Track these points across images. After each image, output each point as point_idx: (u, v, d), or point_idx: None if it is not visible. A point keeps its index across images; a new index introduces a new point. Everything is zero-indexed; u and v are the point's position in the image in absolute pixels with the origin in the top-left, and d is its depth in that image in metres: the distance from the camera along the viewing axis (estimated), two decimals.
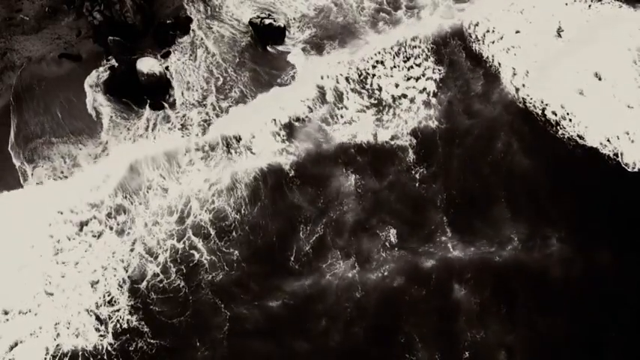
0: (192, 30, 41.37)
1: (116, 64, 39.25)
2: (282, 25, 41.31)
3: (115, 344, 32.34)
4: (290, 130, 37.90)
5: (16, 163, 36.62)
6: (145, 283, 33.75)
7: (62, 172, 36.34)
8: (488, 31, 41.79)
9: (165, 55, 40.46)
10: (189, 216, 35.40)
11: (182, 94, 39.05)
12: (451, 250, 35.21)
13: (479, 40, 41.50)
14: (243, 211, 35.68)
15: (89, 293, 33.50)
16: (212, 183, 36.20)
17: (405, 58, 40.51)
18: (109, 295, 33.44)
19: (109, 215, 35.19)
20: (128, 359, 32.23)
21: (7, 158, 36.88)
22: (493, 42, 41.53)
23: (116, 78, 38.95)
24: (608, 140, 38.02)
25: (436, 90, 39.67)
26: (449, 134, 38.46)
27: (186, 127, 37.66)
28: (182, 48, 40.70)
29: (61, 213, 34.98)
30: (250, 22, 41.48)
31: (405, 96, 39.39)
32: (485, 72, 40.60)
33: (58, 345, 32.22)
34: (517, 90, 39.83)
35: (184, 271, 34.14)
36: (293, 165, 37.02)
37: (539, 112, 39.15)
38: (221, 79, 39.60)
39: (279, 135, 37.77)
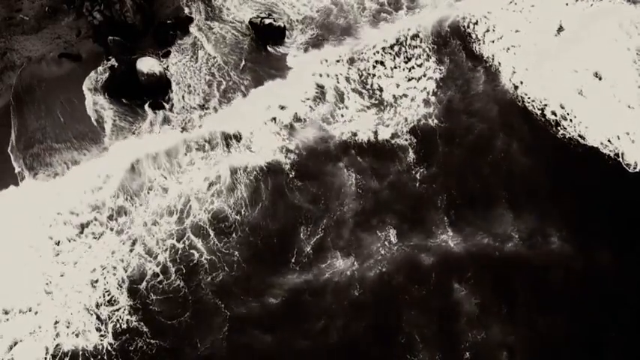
0: (193, 31, 41.35)
1: (116, 64, 39.22)
2: (283, 25, 41.30)
3: (114, 344, 32.30)
4: (290, 129, 37.88)
5: (16, 167, 36.48)
6: (144, 284, 33.71)
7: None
8: (488, 31, 41.83)
9: (166, 55, 40.45)
10: (189, 216, 35.36)
11: (183, 97, 38.98)
12: (451, 247, 35.16)
13: (479, 40, 41.53)
14: (243, 212, 35.65)
15: (89, 293, 33.43)
16: (211, 182, 36.16)
17: (406, 59, 40.52)
18: (108, 295, 33.38)
19: (110, 217, 35.11)
20: (128, 359, 32.22)
21: (6, 159, 36.81)
22: (493, 41, 41.57)
23: (116, 78, 38.92)
24: (609, 140, 38.01)
25: (436, 89, 39.68)
26: (449, 133, 38.45)
27: (187, 129, 37.59)
28: (183, 49, 40.68)
29: (61, 214, 34.92)
30: (250, 22, 41.49)
31: (405, 95, 39.39)
32: (485, 71, 40.62)
33: (58, 345, 32.17)
34: (517, 89, 39.83)
35: (184, 271, 34.08)
36: (294, 165, 37.00)
37: (539, 112, 39.15)
38: (222, 81, 39.54)
39: (279, 134, 37.75)
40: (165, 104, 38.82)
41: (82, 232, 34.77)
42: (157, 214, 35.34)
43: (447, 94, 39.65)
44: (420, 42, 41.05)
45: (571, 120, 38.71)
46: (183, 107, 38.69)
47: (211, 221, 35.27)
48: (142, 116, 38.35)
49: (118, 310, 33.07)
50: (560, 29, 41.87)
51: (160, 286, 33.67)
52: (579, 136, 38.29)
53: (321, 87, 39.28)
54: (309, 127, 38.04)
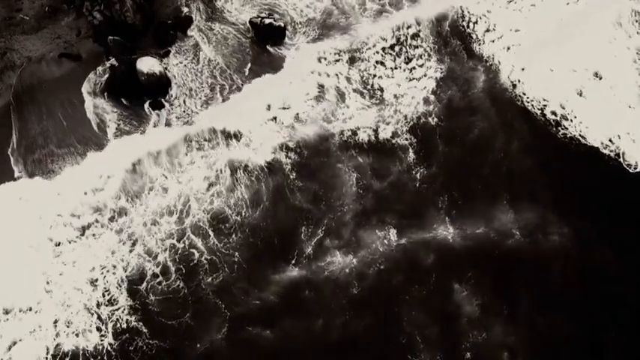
0: (194, 32, 41.31)
1: (116, 64, 39.19)
2: (282, 25, 41.28)
3: (115, 344, 32.26)
4: (291, 129, 37.84)
5: (16, 171, 36.35)
6: (144, 284, 33.67)
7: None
8: (488, 30, 41.85)
9: (166, 55, 40.43)
10: (189, 216, 35.32)
11: (184, 98, 38.92)
12: (451, 247, 35.18)
13: (479, 40, 41.58)
14: (243, 213, 35.62)
15: (89, 292, 33.39)
16: (211, 183, 36.13)
17: (407, 60, 40.53)
18: (108, 294, 33.34)
19: (111, 219, 35.08)
20: (128, 359, 32.22)
21: (6, 161, 36.76)
22: (493, 41, 41.63)
23: (116, 78, 38.89)
24: (611, 140, 38.02)
25: (436, 88, 39.69)
26: (449, 132, 38.49)
27: (187, 129, 37.49)
28: (184, 51, 40.65)
29: (61, 216, 34.88)
30: (250, 22, 41.47)
31: (406, 95, 39.38)
32: (485, 70, 40.64)
33: (58, 344, 32.12)
34: (517, 88, 39.86)
35: (184, 271, 34.03)
36: (294, 165, 36.98)
37: (539, 112, 39.18)
38: (223, 82, 39.50)
39: (279, 133, 37.71)
40: (165, 104, 38.81)
41: (82, 232, 34.71)
42: (157, 213, 35.29)
43: (448, 93, 39.68)
44: (421, 42, 41.06)
45: (571, 120, 38.71)
46: (184, 107, 38.67)
47: (211, 222, 35.24)
48: (144, 118, 38.27)
49: (117, 310, 33.02)
50: (561, 29, 41.81)
51: (160, 287, 33.63)
52: (580, 135, 38.31)
53: (321, 86, 39.27)
54: (309, 126, 38.03)
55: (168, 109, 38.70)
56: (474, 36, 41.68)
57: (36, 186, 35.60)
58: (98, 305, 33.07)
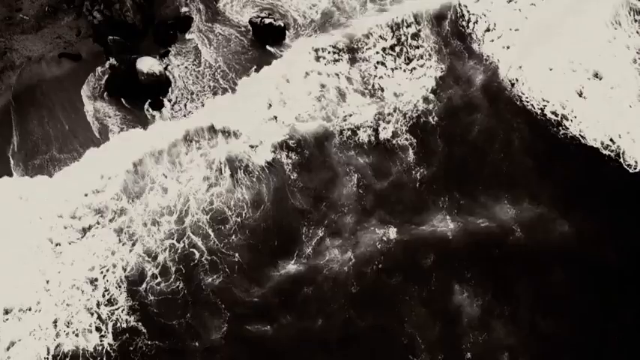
0: (194, 34, 41.28)
1: (116, 64, 39.14)
2: (282, 25, 41.23)
3: (114, 345, 32.26)
4: (292, 128, 37.79)
5: (16, 175, 36.38)
6: (144, 284, 33.66)
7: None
8: (488, 30, 41.81)
9: (165, 55, 40.41)
10: (188, 215, 35.28)
11: (185, 102, 38.87)
12: (451, 244, 35.25)
13: (479, 40, 41.55)
14: (244, 214, 35.59)
15: (89, 292, 33.37)
16: (211, 184, 36.09)
17: (407, 60, 40.50)
18: (108, 294, 33.33)
19: (111, 219, 35.05)
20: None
21: (6, 162, 36.76)
22: (492, 40, 41.59)
23: (116, 78, 38.86)
24: (611, 140, 38.05)
25: (437, 87, 39.65)
26: (449, 131, 38.50)
27: (187, 128, 37.45)
28: (185, 53, 40.61)
29: (61, 217, 34.86)
30: (250, 22, 41.42)
31: (406, 94, 39.36)
32: (485, 70, 40.61)
33: (58, 344, 32.12)
34: (517, 88, 39.83)
35: (184, 271, 34.01)
36: (295, 165, 36.97)
37: (539, 111, 39.18)
38: (223, 82, 39.51)
39: (280, 133, 37.67)
40: (165, 104, 38.78)
41: (82, 233, 34.69)
42: (156, 213, 35.25)
43: (448, 93, 39.65)
44: (422, 42, 41.02)
45: (571, 120, 38.71)
46: (185, 107, 38.64)
47: (210, 222, 35.20)
48: (144, 118, 38.23)
49: (117, 310, 33.01)
50: (560, 28, 41.78)
51: (160, 287, 33.62)
52: (580, 135, 38.30)
53: (322, 86, 39.20)
54: (310, 125, 37.97)
55: (168, 108, 38.68)
56: (474, 36, 41.66)
57: (36, 186, 35.55)
58: (98, 305, 33.07)
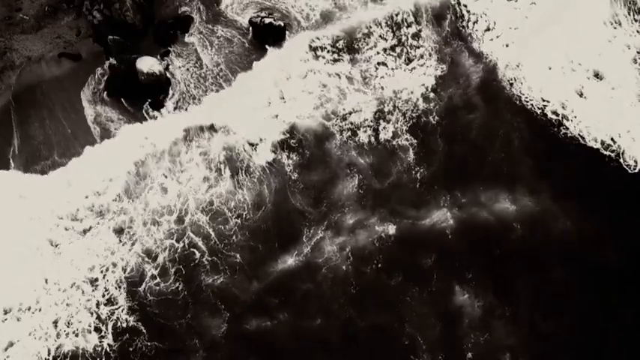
0: (194, 35, 41.25)
1: (116, 64, 39.13)
2: (282, 25, 41.20)
3: (114, 345, 32.24)
4: (292, 127, 37.79)
5: (15, 175, 36.32)
6: (143, 284, 33.65)
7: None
8: (488, 30, 41.81)
9: (166, 55, 40.40)
10: (188, 214, 35.25)
11: (186, 109, 38.82)
12: (452, 244, 35.23)
13: (479, 39, 41.55)
14: (244, 215, 35.58)
15: (89, 292, 33.35)
16: (211, 185, 36.07)
17: (408, 60, 40.51)
18: (108, 294, 33.31)
19: (111, 219, 35.02)
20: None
21: (6, 163, 36.78)
22: (492, 39, 41.55)
23: (116, 78, 38.85)
24: (612, 139, 38.02)
25: (437, 87, 39.65)
26: (449, 131, 38.46)
27: (188, 127, 37.45)
28: (186, 56, 40.59)
29: (61, 218, 34.84)
30: (250, 21, 41.40)
31: (407, 93, 39.36)
32: (485, 69, 40.62)
33: (58, 345, 32.10)
34: (517, 88, 39.83)
35: (184, 272, 33.99)
36: (295, 165, 36.97)
37: (539, 111, 39.17)
38: (223, 82, 39.52)
39: (280, 132, 37.65)
40: (165, 103, 38.78)
41: (82, 233, 34.68)
42: (157, 213, 35.21)
43: (448, 92, 39.66)
44: (422, 42, 41.02)
45: (571, 120, 38.72)
46: (185, 107, 38.63)
47: (210, 222, 35.19)
48: (144, 118, 38.22)
49: (117, 310, 32.98)
50: (560, 28, 41.77)
51: (159, 287, 33.60)
52: (579, 135, 38.30)
53: (323, 85, 39.18)
54: (311, 124, 37.96)
55: (168, 108, 38.67)
56: (474, 35, 41.65)
57: (36, 186, 35.51)
58: (98, 305, 33.04)
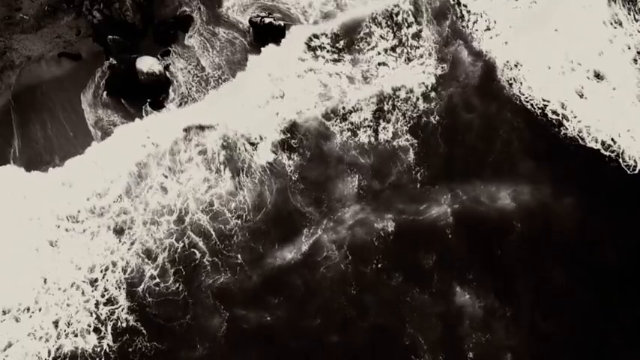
0: (194, 37, 41.21)
1: (116, 63, 39.08)
2: (282, 24, 41.17)
3: (114, 346, 32.21)
4: (293, 127, 37.76)
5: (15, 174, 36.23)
6: (143, 285, 33.62)
7: None
8: (488, 29, 41.78)
9: (166, 54, 40.37)
10: (188, 214, 35.21)
11: (186, 109, 38.74)
12: (452, 244, 35.23)
13: (479, 39, 41.52)
14: (244, 216, 35.55)
15: (88, 292, 33.33)
16: (211, 185, 36.03)
17: (408, 60, 40.49)
18: (108, 294, 33.29)
19: (111, 219, 34.98)
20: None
21: (6, 164, 36.60)
22: (491, 37, 41.53)
23: (116, 78, 38.80)
24: (612, 139, 38.04)
25: (437, 86, 39.64)
26: (449, 130, 38.47)
27: (188, 127, 37.42)
28: (187, 56, 40.55)
29: (61, 218, 34.78)
30: (250, 21, 41.36)
31: (406, 93, 39.34)
32: (485, 69, 40.61)
33: (58, 345, 32.06)
34: (517, 88, 39.82)
35: (184, 272, 33.96)
36: (296, 165, 36.94)
37: (539, 111, 39.17)
38: (224, 81, 39.49)
39: (280, 132, 37.62)
40: (165, 103, 38.75)
41: (82, 233, 34.65)
42: (156, 213, 35.17)
43: (448, 91, 39.64)
44: (423, 42, 41.01)
45: (571, 120, 38.72)
46: (185, 106, 38.58)
47: (210, 222, 35.17)
48: (144, 119, 38.09)
49: (117, 310, 32.97)
50: (561, 28, 41.77)
51: (159, 288, 33.57)
52: (579, 135, 38.30)
53: (324, 85, 39.16)
54: (311, 125, 37.94)
55: (168, 108, 38.64)
56: (475, 35, 41.63)
57: (37, 185, 35.45)
58: (97, 305, 33.01)
